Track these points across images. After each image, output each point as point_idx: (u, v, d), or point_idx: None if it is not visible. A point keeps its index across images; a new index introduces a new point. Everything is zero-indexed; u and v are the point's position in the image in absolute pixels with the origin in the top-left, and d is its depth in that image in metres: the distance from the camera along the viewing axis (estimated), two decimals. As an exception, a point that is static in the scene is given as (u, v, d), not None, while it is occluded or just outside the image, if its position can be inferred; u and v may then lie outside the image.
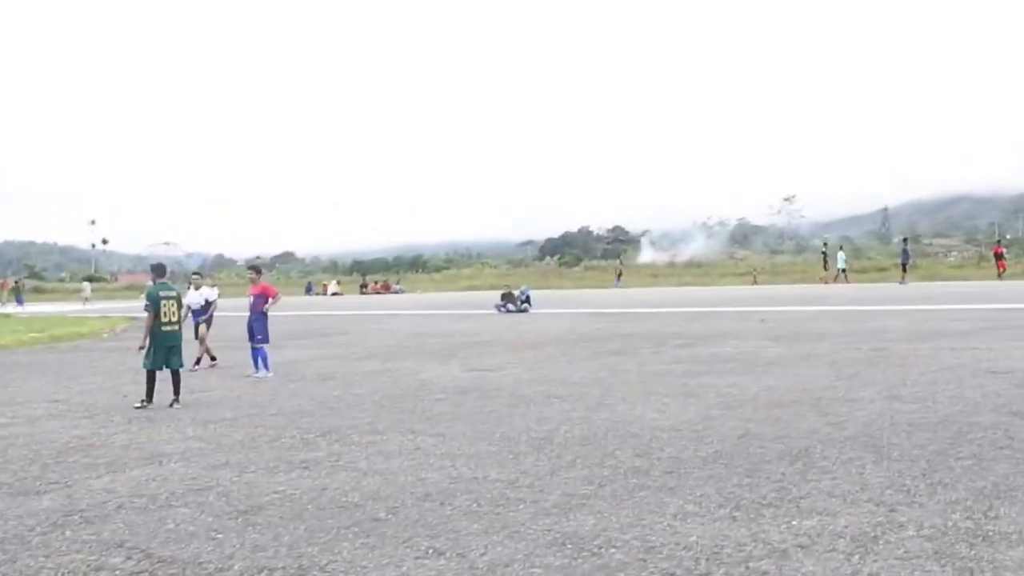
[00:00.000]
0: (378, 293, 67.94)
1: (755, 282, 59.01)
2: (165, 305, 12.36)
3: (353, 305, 46.13)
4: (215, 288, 18.32)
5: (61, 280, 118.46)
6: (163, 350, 12.32)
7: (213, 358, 17.19)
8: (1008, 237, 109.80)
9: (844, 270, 52.81)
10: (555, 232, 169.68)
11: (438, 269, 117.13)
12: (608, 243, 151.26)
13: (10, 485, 7.95)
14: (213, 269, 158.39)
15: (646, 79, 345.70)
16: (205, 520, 6.60)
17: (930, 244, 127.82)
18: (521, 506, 6.55)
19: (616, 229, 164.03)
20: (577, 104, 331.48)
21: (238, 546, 5.95)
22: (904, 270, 49.12)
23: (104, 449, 9.51)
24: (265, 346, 15.59)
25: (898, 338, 17.54)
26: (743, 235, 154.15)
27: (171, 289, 12.70)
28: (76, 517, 6.80)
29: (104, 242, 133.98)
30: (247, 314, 15.79)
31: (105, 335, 28.55)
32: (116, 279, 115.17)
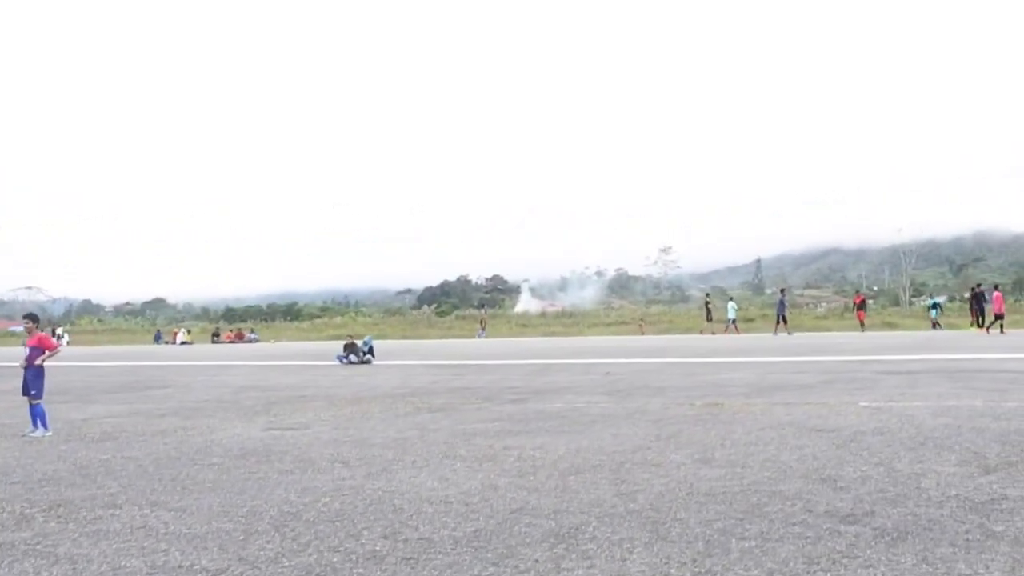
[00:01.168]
0: (232, 342, 65.67)
1: (642, 332, 58.62)
2: None
3: (198, 355, 44.06)
4: None
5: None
6: None
7: None
8: (876, 288, 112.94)
9: (734, 320, 53.36)
10: (434, 281, 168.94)
11: (313, 317, 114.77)
12: (486, 292, 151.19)
13: None
14: (79, 315, 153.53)
15: (525, 126, 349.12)
16: None
17: (801, 295, 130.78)
18: (206, 608, 5.36)
19: (495, 278, 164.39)
20: (456, 152, 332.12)
21: None
22: (781, 321, 49.55)
23: None
24: (41, 402, 14.04)
25: (737, 392, 16.89)
26: (620, 285, 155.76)
27: None
28: None
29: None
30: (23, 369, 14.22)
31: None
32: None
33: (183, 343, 65.57)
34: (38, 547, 7.00)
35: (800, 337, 43.80)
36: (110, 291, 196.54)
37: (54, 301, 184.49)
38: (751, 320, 64.18)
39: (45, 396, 14.22)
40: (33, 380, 14.04)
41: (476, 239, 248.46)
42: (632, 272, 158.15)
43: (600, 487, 8.51)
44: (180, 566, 6.29)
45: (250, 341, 66.08)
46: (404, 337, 61.98)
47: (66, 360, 40.36)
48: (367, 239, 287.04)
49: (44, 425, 13.92)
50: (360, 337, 33.06)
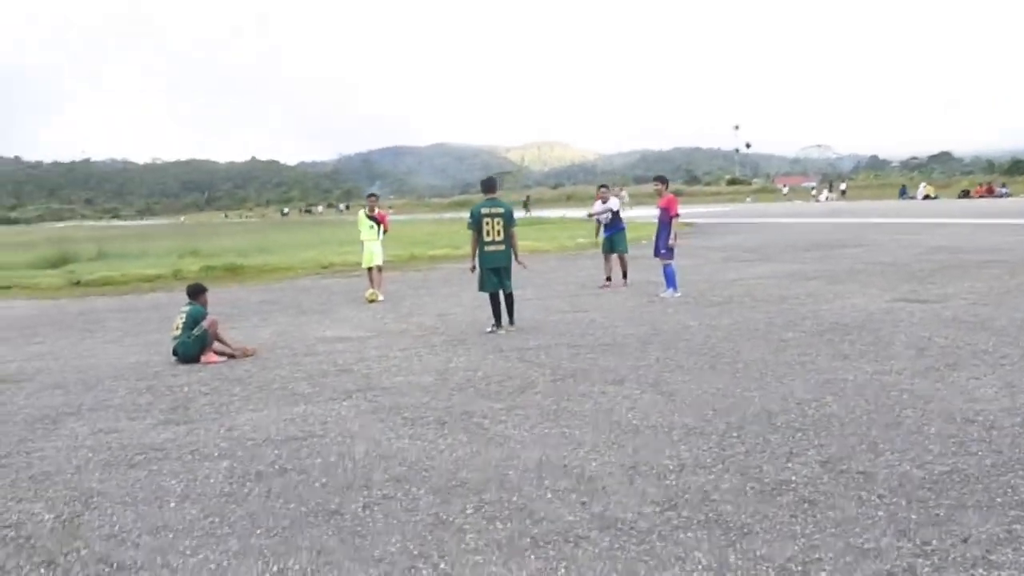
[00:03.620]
0: (981, 197, 59.81)
1: None
2: (488, 223, 11.12)
3: (928, 211, 40.88)
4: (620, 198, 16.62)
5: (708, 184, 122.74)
6: (488, 272, 11.14)
7: (609, 279, 15.66)
8: None
9: None
10: None
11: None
12: None
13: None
14: (865, 171, 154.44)
15: None
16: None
17: None
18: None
19: None
20: None
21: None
22: None
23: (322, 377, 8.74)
24: (671, 263, 13.80)
25: None
26: None
27: (499, 206, 11.34)
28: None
29: (747, 146, 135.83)
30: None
31: (644, 241, 28.24)
32: (750, 183, 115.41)
33: (926, 197, 61.88)
34: (484, 423, 6.63)
35: None
36: (898, 146, 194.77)
37: (840, 158, 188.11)
38: None
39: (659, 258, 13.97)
40: (661, 241, 13.88)
41: None
42: None
43: None
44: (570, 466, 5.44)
45: (1000, 196, 59.84)
46: None
47: (802, 216, 40.59)
48: None
49: (673, 286, 13.73)
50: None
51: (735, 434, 5.95)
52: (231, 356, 10.18)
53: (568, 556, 4.13)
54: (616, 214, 15.83)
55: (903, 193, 69.74)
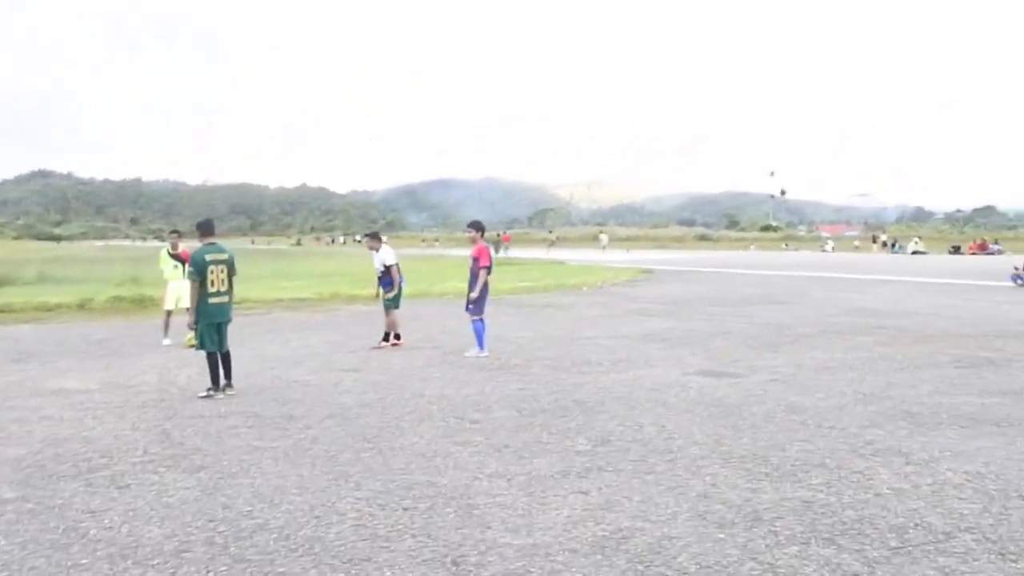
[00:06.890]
0: (974, 254, 57.71)
1: None
2: (213, 272, 9.82)
3: (900, 268, 38.96)
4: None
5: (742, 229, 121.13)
6: (211, 327, 9.79)
7: (397, 336, 13.71)
8: None
9: None
10: None
11: None
12: None
13: None
14: (911, 222, 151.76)
15: None
16: None
17: None
18: None
19: None
20: None
21: None
22: None
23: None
24: (480, 319, 12.37)
25: None
26: None
27: (221, 251, 10.07)
28: None
29: (783, 193, 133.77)
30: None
31: (585, 289, 26.90)
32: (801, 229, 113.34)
33: (915, 252, 60.28)
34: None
35: None
36: (940, 198, 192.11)
37: (886, 208, 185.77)
38: None
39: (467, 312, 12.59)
40: (470, 294, 12.46)
41: None
42: None
43: None
44: None
45: (992, 253, 57.48)
46: None
47: (782, 269, 38.97)
48: None
49: (479, 345, 12.34)
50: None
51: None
52: None
53: None
54: (388, 268, 13.71)
55: (893, 247, 68.61)
